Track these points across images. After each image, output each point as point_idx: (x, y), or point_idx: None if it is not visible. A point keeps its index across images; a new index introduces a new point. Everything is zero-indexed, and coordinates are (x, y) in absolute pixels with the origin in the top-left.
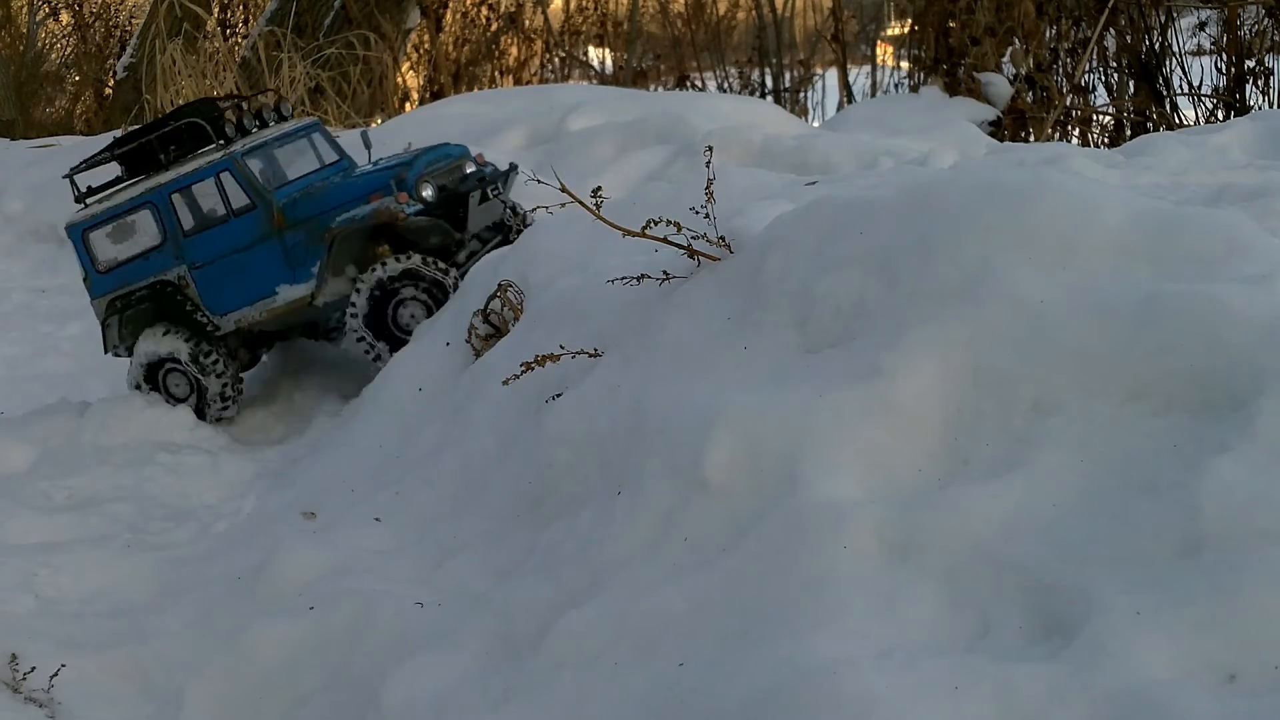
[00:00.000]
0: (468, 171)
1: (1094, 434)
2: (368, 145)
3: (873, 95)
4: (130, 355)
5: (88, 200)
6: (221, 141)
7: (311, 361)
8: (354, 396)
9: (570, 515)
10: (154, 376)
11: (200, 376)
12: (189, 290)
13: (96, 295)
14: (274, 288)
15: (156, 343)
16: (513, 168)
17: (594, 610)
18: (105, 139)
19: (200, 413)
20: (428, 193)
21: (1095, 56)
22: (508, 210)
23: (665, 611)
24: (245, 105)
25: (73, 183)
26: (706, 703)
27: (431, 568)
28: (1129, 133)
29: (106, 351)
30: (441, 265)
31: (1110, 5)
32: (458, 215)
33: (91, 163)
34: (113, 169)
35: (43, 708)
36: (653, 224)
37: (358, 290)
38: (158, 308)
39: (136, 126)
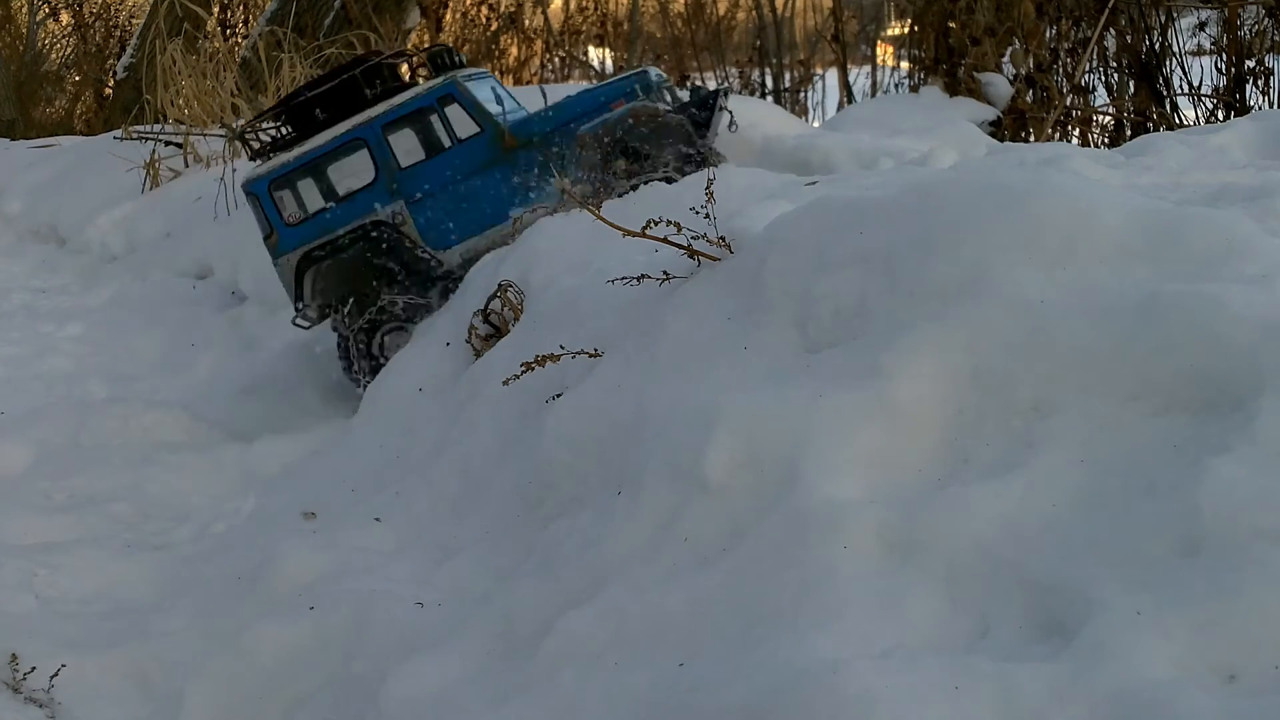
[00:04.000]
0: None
1: (1094, 434)
2: (545, 96)
3: (873, 95)
4: (319, 320)
5: (265, 156)
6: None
7: (311, 360)
8: (354, 396)
9: (570, 515)
10: (372, 340)
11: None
12: (405, 227)
13: (284, 251)
14: (507, 212)
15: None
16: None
17: (594, 610)
18: (105, 139)
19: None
20: (681, 93)
21: (1095, 56)
22: (733, 125)
23: (665, 611)
24: (413, 59)
25: (243, 141)
26: (706, 703)
27: (431, 568)
28: (1129, 133)
29: (296, 318)
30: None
31: (1110, 5)
32: (702, 120)
33: (260, 118)
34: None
35: (43, 708)
36: (653, 224)
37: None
38: (367, 251)
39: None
